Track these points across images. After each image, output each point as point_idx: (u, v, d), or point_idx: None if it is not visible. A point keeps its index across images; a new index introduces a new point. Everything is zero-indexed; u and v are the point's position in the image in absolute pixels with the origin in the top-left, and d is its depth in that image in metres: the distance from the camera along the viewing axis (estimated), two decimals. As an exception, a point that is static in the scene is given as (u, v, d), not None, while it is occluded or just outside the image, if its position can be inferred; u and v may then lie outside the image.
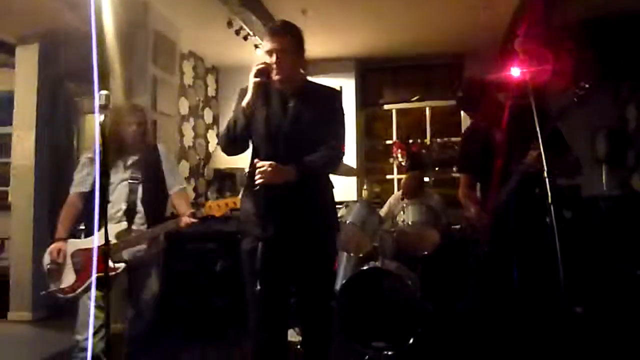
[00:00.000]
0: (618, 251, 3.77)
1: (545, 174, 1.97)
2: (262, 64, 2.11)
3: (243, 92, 2.27)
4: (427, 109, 5.99)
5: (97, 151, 2.01)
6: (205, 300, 4.01)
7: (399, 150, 5.68)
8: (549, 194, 1.92)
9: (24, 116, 4.71)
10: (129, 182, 2.74)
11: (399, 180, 5.93)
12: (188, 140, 5.53)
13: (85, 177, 2.71)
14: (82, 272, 2.59)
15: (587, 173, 4.93)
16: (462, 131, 5.74)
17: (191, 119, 5.59)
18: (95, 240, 2.59)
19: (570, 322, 2.23)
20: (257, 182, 2.01)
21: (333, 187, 2.39)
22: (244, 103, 2.12)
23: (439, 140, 5.93)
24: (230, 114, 5.45)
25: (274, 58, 2.14)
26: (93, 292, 2.34)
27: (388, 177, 6.13)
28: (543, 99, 2.33)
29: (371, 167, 6.46)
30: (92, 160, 2.70)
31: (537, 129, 2.10)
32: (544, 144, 2.09)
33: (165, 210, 2.99)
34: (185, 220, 2.68)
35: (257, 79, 2.08)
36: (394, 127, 6.08)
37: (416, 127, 6.11)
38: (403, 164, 5.60)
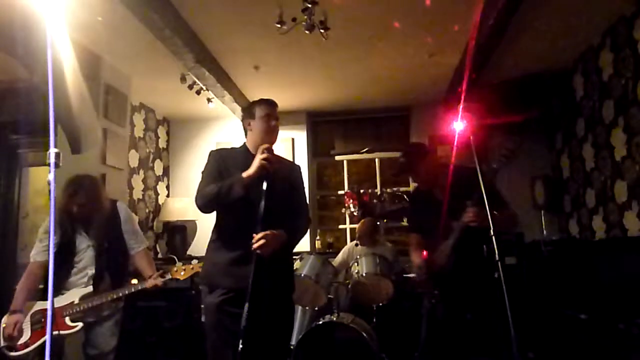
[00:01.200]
0: (561, 295, 3.93)
1: (491, 232, 2.08)
2: (267, 145, 2.30)
3: (217, 155, 2.44)
4: (377, 159, 6.18)
5: (52, 210, 2.00)
6: (154, 358, 3.85)
7: (351, 200, 5.77)
8: (495, 249, 2.03)
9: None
10: (94, 248, 2.79)
11: (352, 229, 6.00)
12: (137, 193, 5.41)
13: (46, 246, 2.72)
14: (38, 331, 2.63)
15: (527, 219, 5.24)
16: (410, 182, 5.96)
17: (141, 171, 5.50)
18: (50, 302, 2.56)
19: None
20: (258, 252, 2.10)
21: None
22: (247, 176, 2.22)
23: (388, 190, 6.08)
24: (181, 165, 5.53)
25: (272, 123, 2.41)
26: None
27: (340, 226, 6.19)
28: (482, 155, 2.50)
29: (324, 217, 6.52)
30: (47, 229, 2.72)
31: (481, 185, 2.24)
32: (479, 201, 2.24)
33: (127, 269, 3.00)
34: (152, 282, 2.74)
35: (266, 159, 2.22)
36: (345, 177, 6.21)
37: (366, 177, 6.27)
38: (355, 213, 5.68)
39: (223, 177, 2.32)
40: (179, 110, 5.82)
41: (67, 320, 2.65)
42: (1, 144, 4.68)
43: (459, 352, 2.66)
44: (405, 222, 5.77)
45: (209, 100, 5.02)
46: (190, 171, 5.99)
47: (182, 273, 2.68)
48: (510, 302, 2.08)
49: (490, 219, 2.25)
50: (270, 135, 2.40)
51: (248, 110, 2.49)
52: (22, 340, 2.62)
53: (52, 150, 1.61)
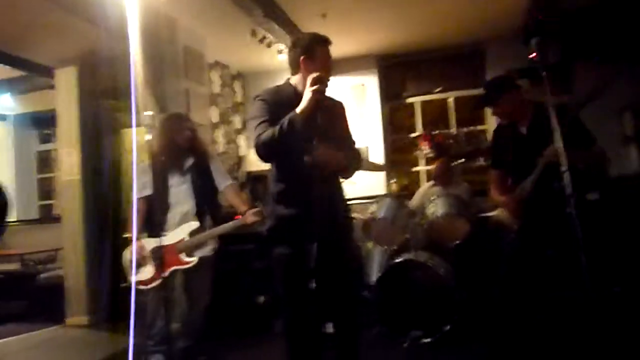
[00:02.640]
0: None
1: (564, 166, 2.07)
2: (318, 75, 2.09)
3: (265, 98, 2.28)
4: (451, 99, 6.05)
5: (134, 168, 2.25)
6: (249, 297, 4.23)
7: (425, 142, 5.76)
8: (568, 185, 2.02)
9: (67, 134, 5.00)
10: (190, 185, 3.00)
11: (426, 172, 6.02)
12: (220, 147, 5.75)
13: (145, 182, 2.90)
14: (159, 267, 2.89)
15: (615, 152, 4.96)
16: (486, 120, 5.81)
17: (222, 126, 5.81)
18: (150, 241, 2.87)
19: (606, 303, 2.31)
20: (322, 172, 2.10)
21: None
22: (301, 111, 2.08)
23: (464, 129, 5.98)
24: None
25: (331, 63, 2.29)
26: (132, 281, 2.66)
27: (414, 169, 6.22)
28: (566, 89, 2.42)
29: (397, 160, 6.56)
30: (149, 165, 2.86)
31: (557, 122, 2.20)
32: (563, 137, 2.20)
33: (221, 205, 3.23)
34: (251, 218, 2.90)
35: (319, 88, 2.06)
36: (419, 119, 6.17)
37: (440, 117, 6.18)
38: (430, 155, 5.68)
39: (277, 120, 2.12)
40: (251, 64, 5.99)
41: (183, 256, 2.93)
42: (99, 110, 5.12)
43: (537, 287, 2.72)
44: (482, 162, 5.69)
45: (279, 52, 5.13)
46: (267, 122, 6.21)
47: None
48: (590, 238, 2.08)
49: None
50: (329, 76, 2.21)
51: (305, 47, 2.26)
52: (148, 276, 2.94)
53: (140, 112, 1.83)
